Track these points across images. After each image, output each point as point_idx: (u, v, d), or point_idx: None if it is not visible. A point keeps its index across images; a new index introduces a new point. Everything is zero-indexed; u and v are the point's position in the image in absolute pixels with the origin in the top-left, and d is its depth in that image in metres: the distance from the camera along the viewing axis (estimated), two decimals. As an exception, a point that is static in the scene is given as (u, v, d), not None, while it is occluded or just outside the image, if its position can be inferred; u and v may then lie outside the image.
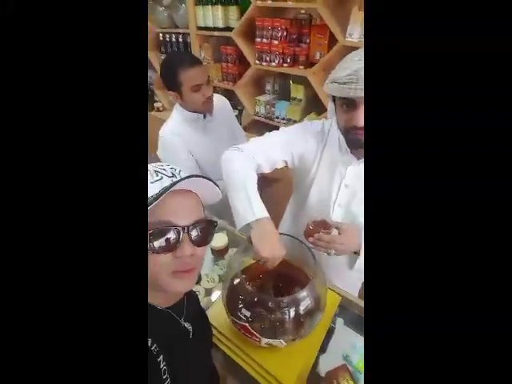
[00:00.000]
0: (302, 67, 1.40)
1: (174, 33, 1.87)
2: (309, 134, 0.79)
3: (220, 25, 1.59)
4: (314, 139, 0.79)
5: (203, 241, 0.40)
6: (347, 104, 0.61)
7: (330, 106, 0.70)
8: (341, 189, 0.76)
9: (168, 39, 1.91)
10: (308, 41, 1.36)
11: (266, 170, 0.78)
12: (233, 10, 1.56)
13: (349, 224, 0.70)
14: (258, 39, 1.46)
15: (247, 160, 0.73)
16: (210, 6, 1.58)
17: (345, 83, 0.57)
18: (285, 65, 1.44)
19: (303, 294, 0.56)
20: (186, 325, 0.47)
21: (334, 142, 0.75)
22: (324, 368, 0.59)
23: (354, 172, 0.74)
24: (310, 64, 1.39)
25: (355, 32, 1.11)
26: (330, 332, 0.67)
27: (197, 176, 0.40)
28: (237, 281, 0.61)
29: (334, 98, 0.67)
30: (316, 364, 0.61)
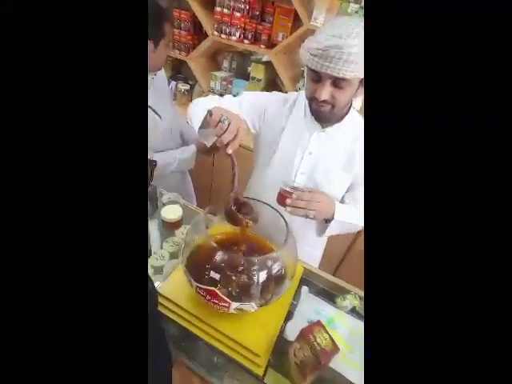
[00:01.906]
0: (263, 46, 1.37)
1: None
2: (273, 99, 0.79)
3: (175, -15, 1.44)
4: (279, 103, 0.78)
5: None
6: (313, 75, 0.63)
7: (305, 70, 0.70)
8: (304, 157, 0.77)
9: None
10: (271, 19, 1.33)
11: None
12: (191, -29, 1.42)
13: (318, 190, 0.70)
14: (218, 8, 1.36)
15: (213, 104, 0.69)
16: (164, -39, 1.40)
17: (315, 55, 0.58)
18: (246, 41, 1.39)
19: (275, 255, 0.54)
20: None
21: (300, 109, 0.76)
22: (291, 333, 0.58)
23: (319, 140, 0.75)
24: (271, 44, 1.37)
25: (320, 17, 1.13)
26: (295, 300, 0.67)
27: None
28: (202, 245, 0.55)
29: None
30: (282, 330, 0.59)
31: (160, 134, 1.00)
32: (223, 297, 0.49)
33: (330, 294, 0.70)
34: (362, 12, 1.07)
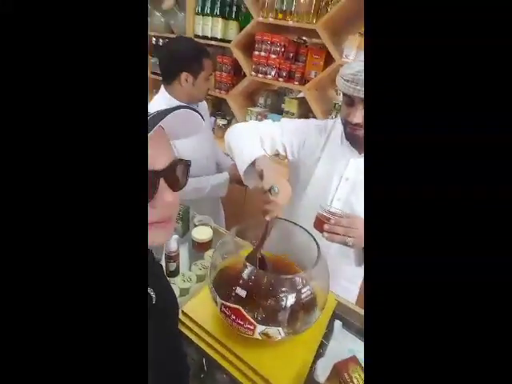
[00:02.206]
0: (297, 83, 1.45)
1: (169, 38, 1.88)
2: (310, 126, 0.81)
3: (218, 36, 1.63)
4: (317, 132, 0.80)
5: (180, 184, 0.36)
6: (347, 100, 0.65)
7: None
8: (341, 183, 0.75)
9: (161, 44, 1.91)
10: (305, 59, 1.42)
11: (267, 148, 0.77)
12: (232, 24, 1.62)
13: (358, 216, 0.67)
14: (256, 52, 1.50)
15: (252, 129, 0.74)
16: (210, 17, 1.62)
17: (347, 81, 0.61)
18: (280, 79, 1.48)
19: (304, 275, 0.51)
20: (148, 289, 0.41)
21: (337, 136, 0.77)
22: (322, 374, 0.51)
23: (356, 165, 0.74)
24: (304, 81, 1.45)
25: (351, 53, 1.18)
26: (326, 336, 0.61)
27: (180, 107, 0.32)
28: (230, 264, 0.54)
29: None
30: (313, 369, 0.53)
31: (197, 160, 1.08)
32: (248, 317, 0.46)
33: (366, 333, 0.63)
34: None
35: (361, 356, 0.57)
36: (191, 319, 0.57)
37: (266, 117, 1.60)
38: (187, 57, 0.96)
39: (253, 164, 0.64)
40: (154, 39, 1.92)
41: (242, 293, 0.46)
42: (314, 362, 0.54)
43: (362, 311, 0.68)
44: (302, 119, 0.86)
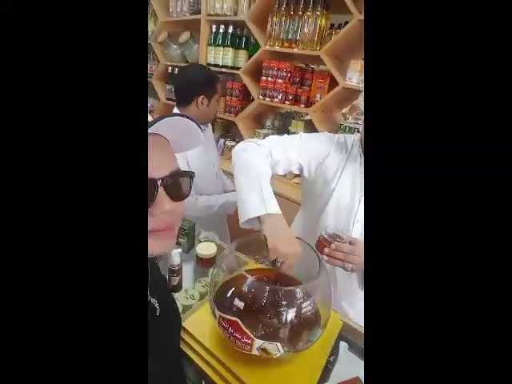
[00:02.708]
0: (303, 106, 1.50)
1: (182, 66, 2.01)
2: (331, 145, 0.77)
3: (229, 64, 1.73)
4: (337, 151, 0.76)
5: (182, 194, 0.36)
6: None
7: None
8: (361, 204, 0.73)
9: (176, 72, 2.04)
10: (310, 83, 1.48)
11: (280, 170, 0.75)
12: (242, 53, 1.72)
13: (360, 242, 0.66)
14: (264, 77, 1.58)
15: (263, 154, 0.69)
16: (221, 48, 1.74)
17: None
18: (286, 102, 1.54)
19: (304, 289, 0.50)
20: (153, 300, 0.40)
21: (357, 155, 0.75)
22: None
23: None
24: (310, 104, 1.49)
25: (354, 77, 1.23)
26: (331, 359, 0.58)
27: (174, 115, 0.34)
28: (231, 279, 0.54)
29: None
30: None
31: (206, 178, 1.11)
32: (246, 330, 0.45)
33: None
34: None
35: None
36: (190, 335, 0.56)
37: (273, 138, 1.64)
38: (203, 81, 1.04)
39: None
40: (170, 68, 2.06)
41: (240, 304, 0.46)
42: (318, 385, 0.51)
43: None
44: (323, 134, 0.81)
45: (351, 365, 0.57)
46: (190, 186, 0.38)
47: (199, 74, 1.05)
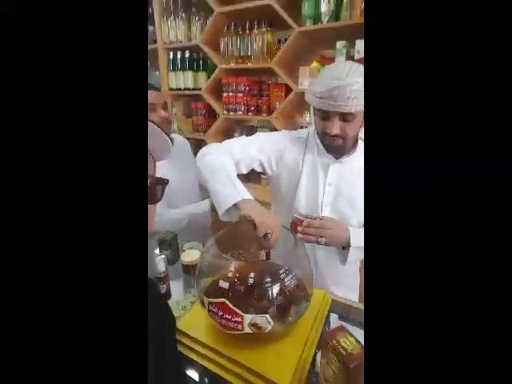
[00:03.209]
0: (265, 115, 1.60)
1: (148, 95, 2.07)
2: (288, 140, 0.84)
3: (190, 86, 1.82)
4: (295, 144, 0.83)
5: (154, 198, 0.38)
6: (322, 114, 0.71)
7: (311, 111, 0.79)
8: (325, 189, 0.79)
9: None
10: (268, 93, 1.59)
11: (243, 168, 0.80)
12: (201, 74, 1.82)
13: (332, 217, 0.72)
14: (225, 94, 1.67)
15: (225, 153, 0.75)
16: (181, 72, 1.82)
17: (320, 97, 0.67)
18: (250, 113, 1.63)
19: (286, 260, 0.54)
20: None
21: (313, 145, 0.82)
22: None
23: (335, 170, 0.79)
24: (271, 112, 1.60)
25: (304, 81, 1.34)
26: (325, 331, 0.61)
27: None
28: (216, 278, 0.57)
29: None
30: (314, 363, 0.54)
31: (183, 184, 1.01)
32: (234, 309, 0.48)
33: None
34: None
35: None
36: (184, 333, 0.57)
37: (242, 148, 1.71)
38: None
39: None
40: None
41: (225, 284, 0.49)
42: (315, 356, 0.54)
43: (358, 305, 0.69)
44: (279, 132, 0.88)
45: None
46: (162, 192, 0.40)
47: None
